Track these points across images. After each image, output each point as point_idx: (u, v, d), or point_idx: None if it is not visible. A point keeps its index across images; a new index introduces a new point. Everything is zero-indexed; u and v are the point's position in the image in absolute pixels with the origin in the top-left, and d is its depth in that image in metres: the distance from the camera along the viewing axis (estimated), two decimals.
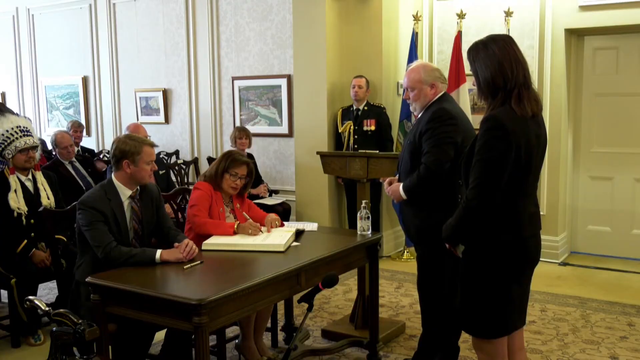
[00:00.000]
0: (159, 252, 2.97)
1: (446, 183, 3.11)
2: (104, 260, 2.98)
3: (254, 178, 3.84)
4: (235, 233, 3.36)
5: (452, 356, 3.39)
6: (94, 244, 3.01)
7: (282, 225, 3.62)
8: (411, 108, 3.41)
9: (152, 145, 3.26)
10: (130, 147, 3.15)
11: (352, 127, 5.76)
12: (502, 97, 2.39)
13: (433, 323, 3.34)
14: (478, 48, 2.47)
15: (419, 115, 3.29)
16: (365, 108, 5.76)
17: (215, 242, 3.25)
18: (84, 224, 3.05)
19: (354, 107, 5.80)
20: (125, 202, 3.19)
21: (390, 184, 3.37)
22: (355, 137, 5.74)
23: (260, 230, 3.40)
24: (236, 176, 3.55)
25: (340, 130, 5.85)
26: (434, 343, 3.36)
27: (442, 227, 2.58)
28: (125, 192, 3.18)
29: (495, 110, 2.39)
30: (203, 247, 3.19)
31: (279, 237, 3.31)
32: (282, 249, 3.15)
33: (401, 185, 3.25)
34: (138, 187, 3.24)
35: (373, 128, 5.72)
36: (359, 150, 5.27)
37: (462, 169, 2.52)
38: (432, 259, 3.25)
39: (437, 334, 3.34)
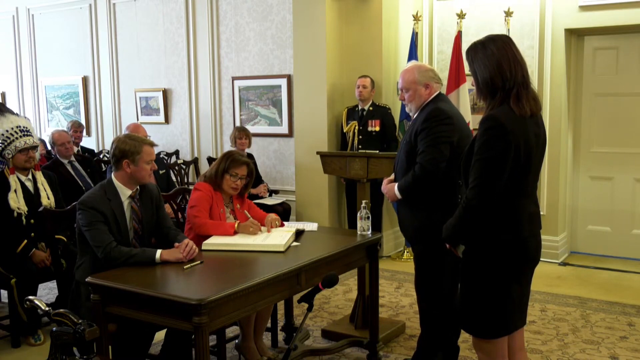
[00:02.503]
0: (159, 252, 2.97)
1: (443, 183, 3.11)
2: (104, 261, 2.98)
3: (254, 178, 3.84)
4: (236, 233, 3.36)
5: (452, 356, 3.40)
6: (94, 244, 3.01)
7: (282, 225, 3.62)
8: (407, 109, 3.41)
9: (152, 144, 3.26)
10: (130, 146, 3.15)
11: (356, 127, 5.73)
12: (501, 97, 2.39)
13: (432, 322, 3.34)
14: (477, 48, 2.47)
15: (415, 116, 3.30)
16: (371, 108, 5.74)
17: (215, 242, 3.25)
18: (84, 224, 3.05)
19: (359, 107, 5.79)
20: (125, 202, 3.19)
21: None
22: (360, 137, 5.70)
23: (260, 230, 3.40)
24: (236, 176, 3.55)
25: (345, 130, 5.81)
26: (433, 343, 3.36)
27: (440, 227, 2.58)
28: (125, 192, 3.18)
29: (494, 110, 2.39)
30: (203, 247, 3.18)
31: (279, 237, 3.30)
32: (282, 249, 3.15)
33: (396, 184, 3.25)
34: (138, 187, 3.24)
35: (377, 129, 5.68)
36: (360, 150, 5.26)
37: (461, 169, 2.52)
38: (430, 258, 3.24)
39: (436, 333, 3.34)
